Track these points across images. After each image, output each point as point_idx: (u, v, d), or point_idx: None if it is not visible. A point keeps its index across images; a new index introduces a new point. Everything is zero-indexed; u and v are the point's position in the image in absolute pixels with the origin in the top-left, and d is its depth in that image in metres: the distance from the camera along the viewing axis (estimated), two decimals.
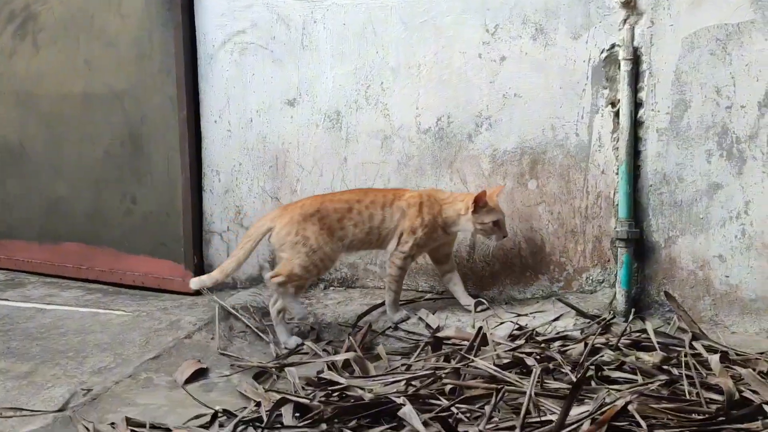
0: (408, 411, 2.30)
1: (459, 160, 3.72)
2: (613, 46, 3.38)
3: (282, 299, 3.47)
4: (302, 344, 3.42)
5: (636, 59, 3.33)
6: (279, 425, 2.57)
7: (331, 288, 4.04)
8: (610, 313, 3.36)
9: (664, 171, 3.33)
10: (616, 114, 3.39)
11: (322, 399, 2.74)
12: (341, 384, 2.83)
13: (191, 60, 4.15)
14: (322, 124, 3.96)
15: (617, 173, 3.39)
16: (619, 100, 3.37)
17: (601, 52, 3.41)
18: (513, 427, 2.39)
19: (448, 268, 3.65)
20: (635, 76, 3.33)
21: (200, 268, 4.19)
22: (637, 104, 3.35)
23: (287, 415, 2.60)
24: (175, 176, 4.20)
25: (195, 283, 3.59)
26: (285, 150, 4.05)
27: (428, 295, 3.84)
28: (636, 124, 3.35)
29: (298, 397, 2.70)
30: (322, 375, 2.95)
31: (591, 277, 3.52)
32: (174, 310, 3.91)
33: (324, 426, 2.51)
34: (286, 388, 2.91)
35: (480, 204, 3.40)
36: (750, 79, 3.14)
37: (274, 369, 3.16)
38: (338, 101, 3.91)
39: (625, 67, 3.32)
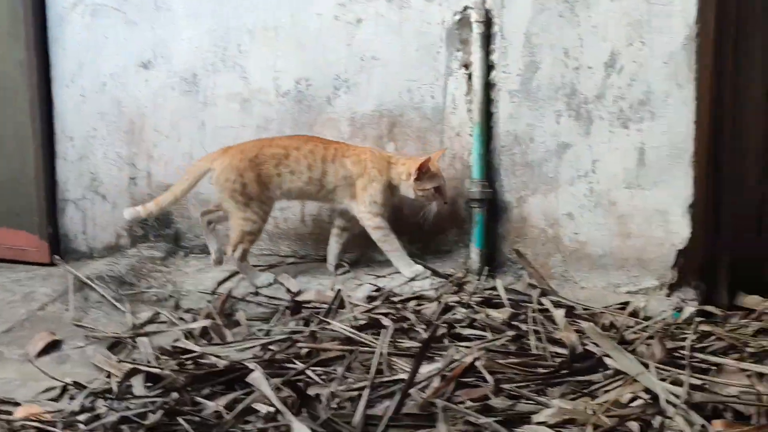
0: (257, 376, 2.30)
1: (319, 124, 3.71)
2: (465, 8, 3.41)
3: (244, 270, 3.52)
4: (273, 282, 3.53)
5: (488, 21, 3.37)
6: (130, 395, 2.53)
7: (192, 255, 3.99)
8: (464, 272, 3.42)
9: (515, 132, 3.39)
10: (470, 76, 3.43)
11: (176, 368, 2.71)
12: (195, 352, 2.80)
13: (41, 23, 3.99)
14: (179, 87, 3.88)
15: (471, 135, 3.44)
16: (472, 63, 3.41)
17: (455, 15, 3.44)
18: (365, 387, 2.41)
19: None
20: (487, 39, 3.38)
21: (55, 238, 4.08)
22: (489, 66, 3.40)
23: (138, 385, 2.56)
24: (27, 144, 4.04)
25: (129, 213, 3.55)
26: (141, 114, 3.95)
27: (290, 260, 3.83)
28: (489, 86, 3.40)
29: (148, 366, 2.66)
30: (176, 344, 2.92)
31: (448, 238, 3.58)
32: (28, 281, 3.78)
33: (176, 395, 2.48)
34: (141, 359, 2.87)
35: (423, 170, 3.35)
36: (597, 39, 3.22)
37: (129, 339, 3.10)
38: (195, 64, 3.84)
39: (477, 30, 3.36)
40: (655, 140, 3.15)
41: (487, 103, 3.41)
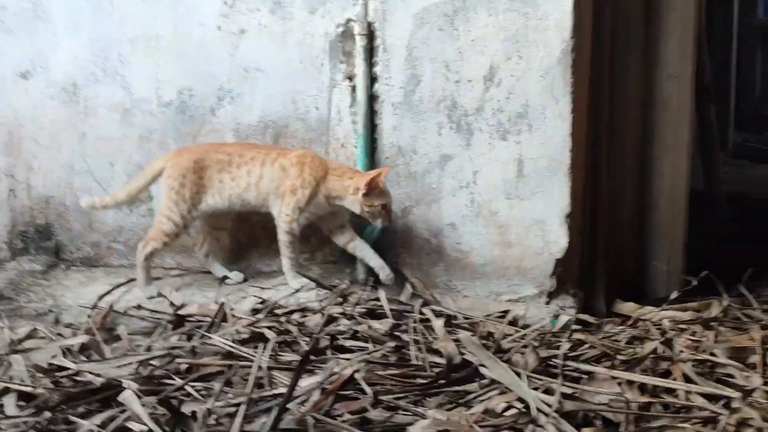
0: (128, 395, 2.26)
1: (203, 134, 3.67)
2: (348, 21, 3.43)
3: (142, 270, 3.49)
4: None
5: (371, 34, 3.39)
6: (1, 415, 2.46)
7: (74, 268, 3.89)
8: (350, 282, 3.43)
9: (399, 144, 3.43)
10: (354, 88, 3.45)
11: (50, 386, 2.64)
12: (71, 369, 2.74)
13: None
14: (58, 97, 3.79)
15: (356, 146, 3.46)
16: (356, 75, 3.43)
17: (338, 27, 3.45)
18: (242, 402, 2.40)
19: (347, 238, 3.47)
20: (370, 51, 3.40)
21: None
22: (372, 78, 3.42)
23: (10, 404, 2.49)
24: None
25: (85, 202, 3.53)
26: (19, 125, 3.84)
27: (174, 272, 3.77)
28: (372, 98, 3.43)
29: (20, 384, 2.59)
30: (53, 361, 2.84)
31: (334, 248, 3.58)
32: None
33: (49, 414, 2.42)
34: (15, 377, 2.79)
35: (372, 186, 3.25)
36: (476, 53, 3.28)
37: (4, 356, 3.01)
38: (75, 74, 3.75)
39: (360, 42, 3.38)
40: (533, 152, 3.23)
41: (371, 115, 3.43)
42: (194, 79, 3.64)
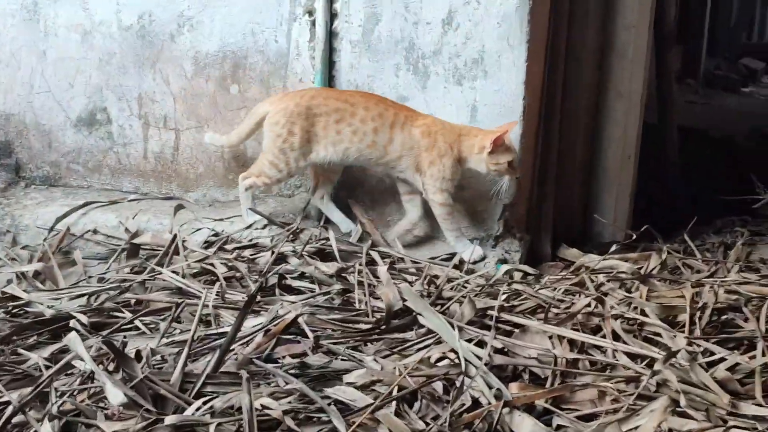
0: (73, 338, 2.31)
1: (162, 61, 3.66)
2: None
3: (245, 199, 3.41)
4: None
5: None
6: None
7: (33, 186, 3.91)
8: (304, 218, 3.48)
9: (356, 82, 3.44)
10: (313, 23, 3.44)
11: (2, 315, 2.70)
12: (22, 299, 2.80)
13: None
14: (19, 15, 3.76)
15: (314, 82, 3.47)
16: (315, 10, 3.42)
17: None
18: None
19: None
20: None
21: None
22: (333, 15, 3.42)
23: None
24: None
25: (209, 137, 3.53)
26: None
27: (132, 196, 3.80)
28: (332, 35, 3.43)
29: None
30: (4, 290, 2.90)
31: (290, 182, 3.63)
32: None
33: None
34: None
35: (498, 143, 3.14)
36: None
37: None
38: None
39: None
40: (487, 98, 3.27)
41: (330, 51, 3.44)
42: (155, 4, 3.62)
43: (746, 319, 2.71)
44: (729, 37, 11.86)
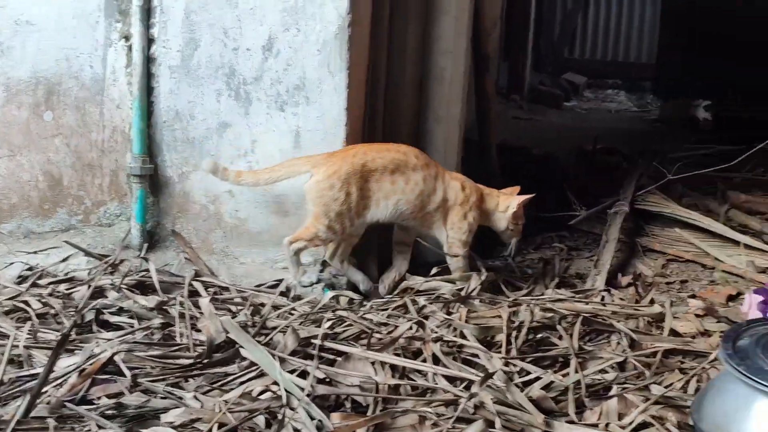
0: None
1: None
2: None
3: (293, 264, 3.19)
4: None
5: None
6: None
7: None
8: (124, 248, 3.39)
9: (177, 108, 3.38)
10: (130, 48, 3.36)
11: None
12: None
13: None
14: None
15: (132, 108, 3.38)
16: (132, 35, 3.34)
17: None
18: None
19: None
20: (147, 12, 3.31)
21: None
22: (150, 40, 3.34)
23: None
24: None
25: (207, 163, 3.21)
26: None
27: None
28: (149, 60, 3.35)
29: None
30: None
31: (109, 211, 3.52)
32: None
33: None
34: None
35: (523, 207, 3.39)
36: (255, 22, 3.26)
37: None
38: None
39: (136, 2, 3.28)
40: (310, 124, 3.26)
41: (148, 77, 3.36)
42: None
43: (560, 337, 2.81)
44: (552, 53, 12.35)
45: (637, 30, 12.84)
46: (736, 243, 3.93)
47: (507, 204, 3.39)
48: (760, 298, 3.17)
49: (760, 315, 3.11)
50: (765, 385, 2.11)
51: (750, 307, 3.22)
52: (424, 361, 2.58)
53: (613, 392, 2.49)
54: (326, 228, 3.13)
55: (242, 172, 3.21)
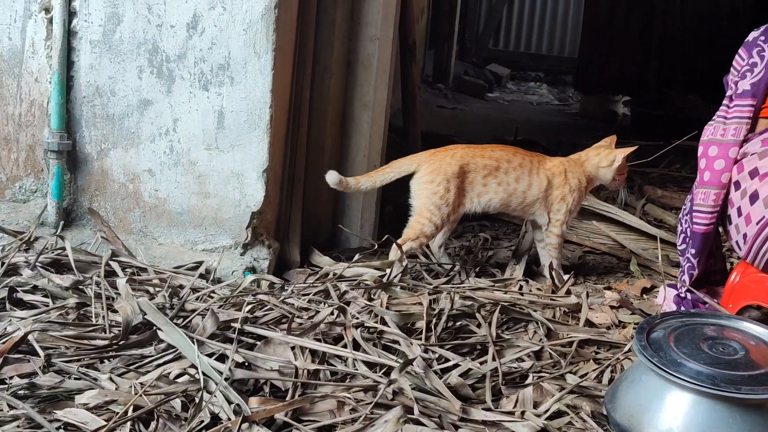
0: None
1: None
2: None
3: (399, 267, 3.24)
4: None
5: None
6: None
7: None
8: (40, 225, 3.30)
9: (97, 83, 3.30)
10: (51, 21, 3.26)
11: None
12: None
13: None
14: None
15: (50, 82, 3.29)
16: (53, 7, 3.24)
17: None
18: None
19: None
20: None
21: None
22: (71, 13, 3.25)
23: None
24: None
25: (332, 176, 3.32)
26: None
27: None
28: (70, 33, 3.26)
29: None
30: None
31: (24, 187, 3.43)
32: None
33: None
34: None
35: (627, 160, 3.53)
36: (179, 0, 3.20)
37: None
38: None
39: None
40: (234, 105, 3.22)
41: (68, 51, 3.27)
42: None
43: (479, 325, 2.84)
44: (477, 44, 12.45)
45: (561, 24, 13.04)
46: (652, 237, 4.02)
47: (611, 158, 3.52)
48: (674, 291, 3.25)
49: (674, 308, 3.20)
50: (677, 377, 2.17)
51: (664, 299, 3.30)
52: (345, 346, 2.58)
53: (529, 381, 2.53)
54: (428, 221, 3.35)
55: (359, 178, 3.39)
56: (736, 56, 3.12)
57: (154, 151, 3.32)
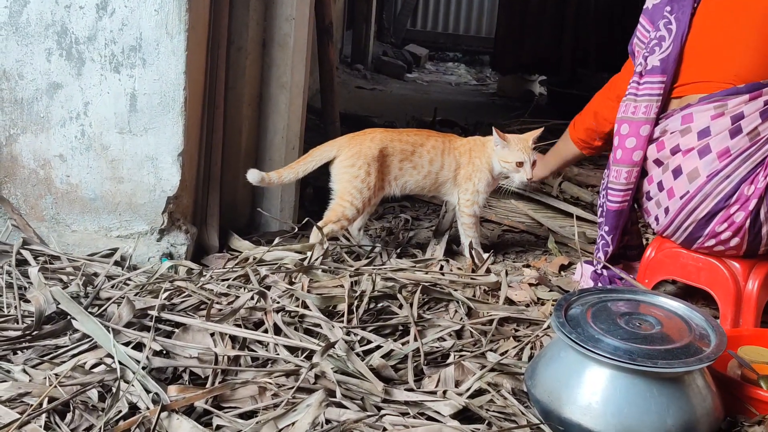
0: None
1: None
2: None
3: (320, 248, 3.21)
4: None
5: None
6: None
7: None
8: None
9: (4, 67, 3.19)
10: None
11: None
12: None
13: None
14: None
15: None
16: None
17: None
18: None
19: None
20: None
21: None
22: None
23: None
24: None
25: (254, 174, 3.32)
26: None
27: None
28: None
29: None
30: None
31: None
32: None
33: None
34: None
35: (504, 140, 3.44)
36: None
37: None
38: None
39: None
40: (147, 87, 3.15)
41: None
42: None
43: (400, 306, 2.84)
44: (395, 24, 12.44)
45: (478, 4, 13.09)
46: (569, 215, 4.07)
47: (495, 143, 3.51)
48: (591, 267, 3.30)
49: (591, 284, 3.25)
50: (595, 353, 2.20)
51: (581, 276, 3.35)
52: (266, 331, 2.56)
53: (450, 360, 2.54)
54: (350, 204, 3.38)
55: (281, 171, 3.38)
56: (639, 26, 3.07)
57: (65, 135, 3.23)
